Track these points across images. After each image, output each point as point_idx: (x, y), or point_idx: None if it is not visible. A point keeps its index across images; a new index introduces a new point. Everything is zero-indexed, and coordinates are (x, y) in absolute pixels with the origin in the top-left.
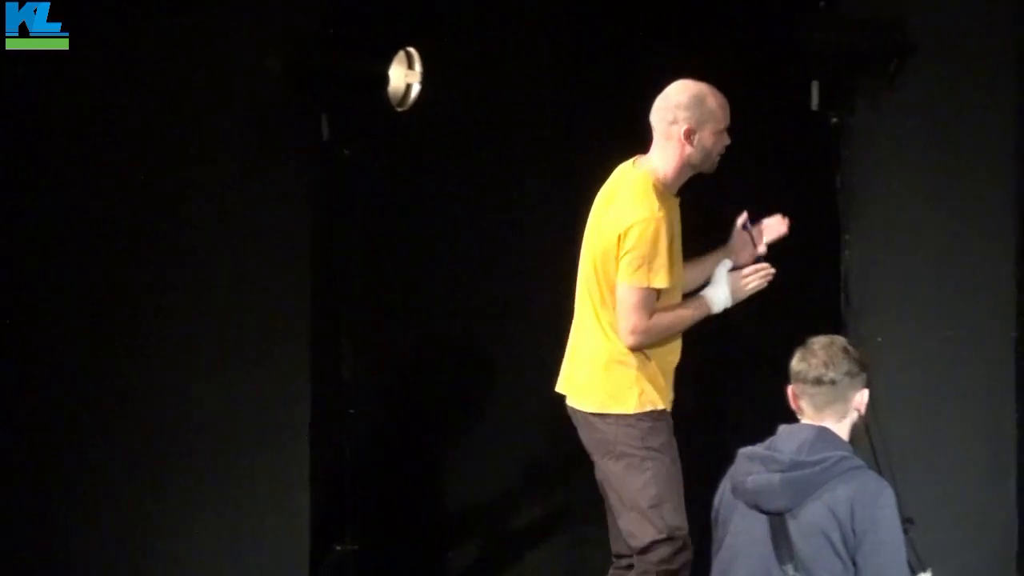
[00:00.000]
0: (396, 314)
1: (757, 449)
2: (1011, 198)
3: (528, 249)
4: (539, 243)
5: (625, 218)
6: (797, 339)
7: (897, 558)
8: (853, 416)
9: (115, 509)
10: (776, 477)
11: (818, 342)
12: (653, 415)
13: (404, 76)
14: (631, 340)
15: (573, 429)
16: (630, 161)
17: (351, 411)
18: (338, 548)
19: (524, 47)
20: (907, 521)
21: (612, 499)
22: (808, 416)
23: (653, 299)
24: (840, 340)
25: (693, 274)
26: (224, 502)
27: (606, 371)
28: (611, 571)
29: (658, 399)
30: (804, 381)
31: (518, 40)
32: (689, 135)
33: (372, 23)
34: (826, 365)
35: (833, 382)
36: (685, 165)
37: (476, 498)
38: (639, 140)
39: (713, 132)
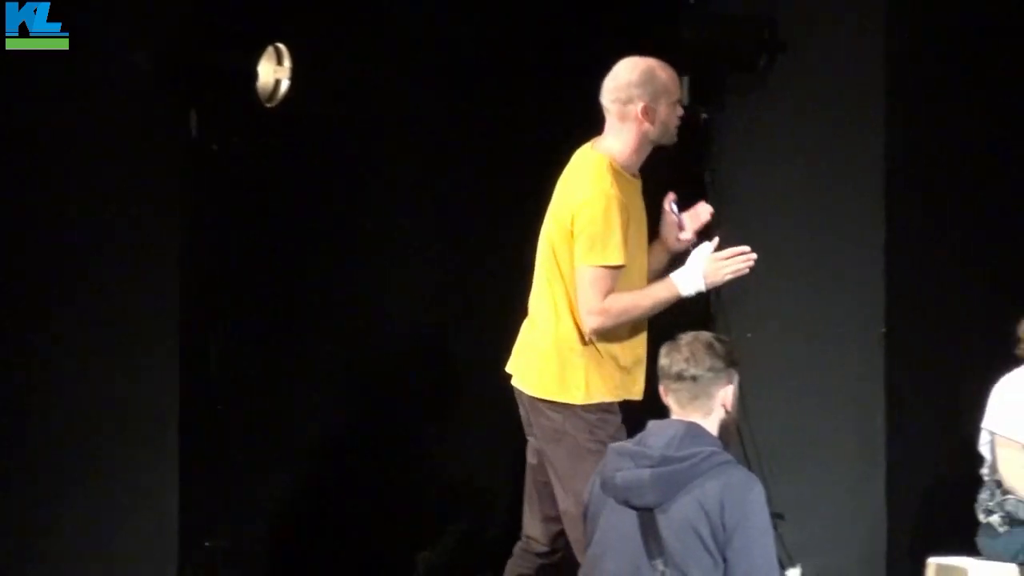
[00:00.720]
0: (266, 310)
1: (626, 445)
2: (880, 194)
3: (399, 243)
4: (410, 237)
5: (576, 198)
6: (667, 335)
7: (766, 553)
8: (720, 412)
9: None
10: (646, 473)
11: (684, 338)
12: (602, 407)
13: (273, 72)
14: (590, 321)
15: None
16: (588, 143)
17: (220, 407)
18: (207, 544)
19: (394, 42)
20: (777, 517)
21: (555, 487)
22: (675, 412)
23: (610, 279)
24: (705, 336)
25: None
26: (92, 498)
27: (555, 358)
28: (518, 552)
29: (605, 392)
30: (667, 376)
31: (388, 35)
32: (647, 112)
33: (241, 18)
34: (688, 361)
35: (695, 378)
36: (644, 143)
37: (347, 492)
38: (512, 133)
39: (668, 105)
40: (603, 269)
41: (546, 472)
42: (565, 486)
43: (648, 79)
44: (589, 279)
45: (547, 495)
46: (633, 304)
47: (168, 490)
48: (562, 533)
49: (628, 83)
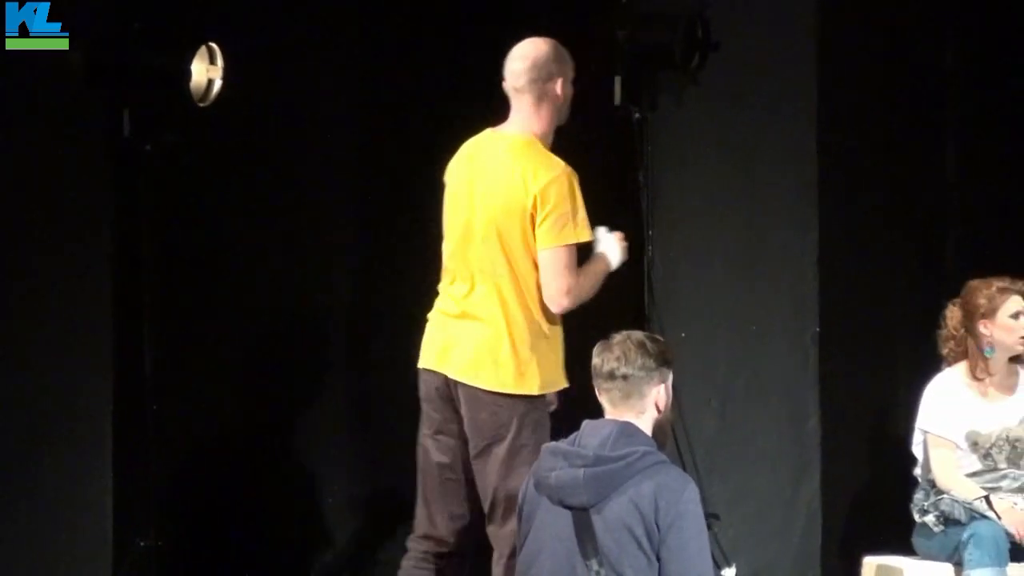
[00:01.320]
0: (198, 309)
1: (561, 444)
2: (813, 194)
3: (331, 243)
4: (342, 237)
5: (537, 179)
6: (601, 335)
7: (701, 553)
8: (653, 412)
9: None
10: (580, 472)
11: (616, 337)
12: (546, 400)
13: (206, 71)
14: (565, 302)
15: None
16: (490, 131)
17: (154, 406)
18: (142, 544)
19: (327, 41)
20: (712, 517)
21: (484, 483)
22: (608, 411)
23: (576, 256)
24: (638, 335)
25: None
26: (25, 497)
27: (509, 350)
28: (416, 560)
29: (554, 381)
30: (600, 376)
31: (321, 34)
32: (563, 88)
33: (173, 18)
34: (619, 360)
35: (625, 377)
36: (555, 121)
37: (281, 491)
38: (445, 134)
39: (571, 81)
40: (573, 247)
41: (458, 470)
42: (499, 483)
43: (560, 55)
44: (564, 259)
45: (455, 493)
46: (593, 281)
47: (102, 489)
48: (467, 531)
49: (547, 60)
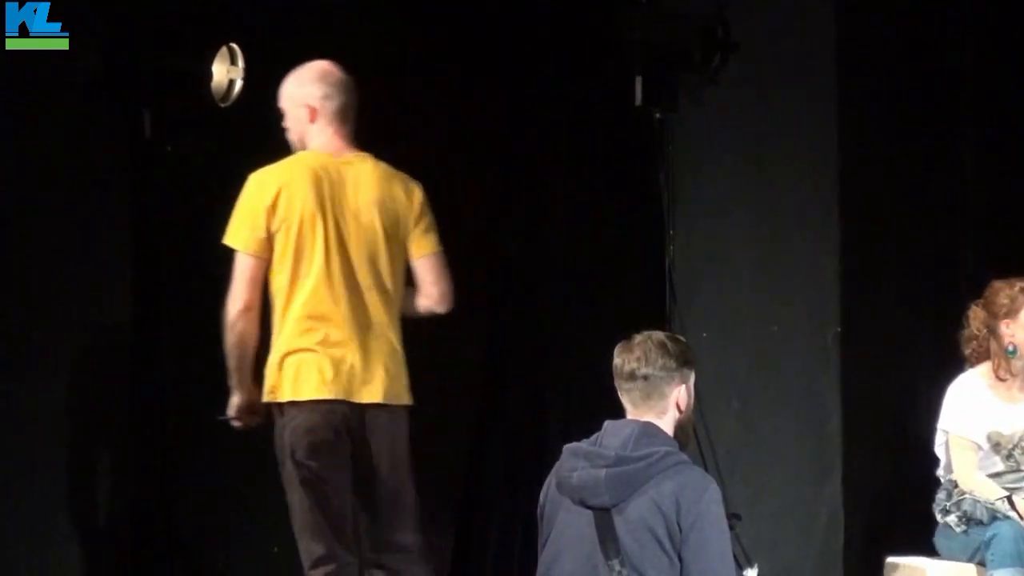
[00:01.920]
0: (217, 309)
1: (582, 445)
2: (833, 194)
3: None
4: None
5: (413, 193)
6: (622, 335)
7: (723, 553)
8: (674, 412)
9: None
10: (601, 473)
11: (637, 338)
12: None
13: (227, 72)
14: (451, 299)
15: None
16: (326, 156)
17: (172, 406)
18: (157, 542)
19: (345, 43)
20: (733, 516)
21: (402, 501)
22: (630, 412)
23: None
24: (658, 336)
25: None
26: (39, 497)
27: (405, 363)
28: None
29: None
30: (620, 376)
31: (339, 35)
32: None
33: (194, 19)
34: (639, 360)
35: (646, 377)
36: None
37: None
38: (459, 137)
39: None
40: None
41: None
42: (413, 489)
43: None
44: (444, 260)
45: (347, 520)
46: None
47: (118, 489)
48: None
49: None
